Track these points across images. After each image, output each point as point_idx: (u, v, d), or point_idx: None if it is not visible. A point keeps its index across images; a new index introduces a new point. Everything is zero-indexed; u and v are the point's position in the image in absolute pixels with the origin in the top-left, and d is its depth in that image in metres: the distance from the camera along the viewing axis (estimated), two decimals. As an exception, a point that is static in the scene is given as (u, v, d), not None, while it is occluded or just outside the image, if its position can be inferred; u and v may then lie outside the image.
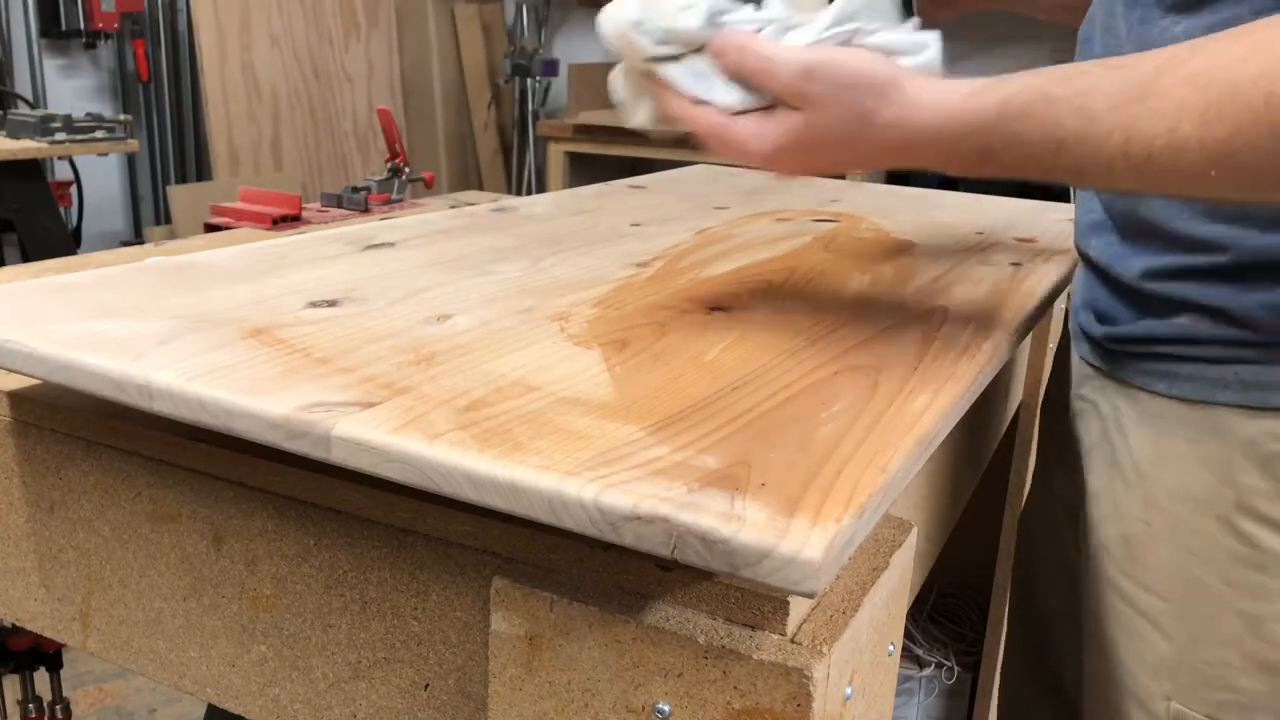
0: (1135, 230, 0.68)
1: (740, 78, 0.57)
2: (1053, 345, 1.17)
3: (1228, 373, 0.62)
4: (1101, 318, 0.72)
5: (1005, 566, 1.31)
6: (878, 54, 0.56)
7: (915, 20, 0.59)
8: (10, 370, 0.57)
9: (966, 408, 0.58)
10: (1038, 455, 0.94)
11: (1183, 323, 0.64)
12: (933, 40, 0.58)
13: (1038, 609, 0.89)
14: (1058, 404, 0.85)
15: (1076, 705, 0.81)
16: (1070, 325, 0.81)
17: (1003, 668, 1.01)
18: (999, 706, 1.03)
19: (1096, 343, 0.73)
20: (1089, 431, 0.75)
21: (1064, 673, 0.85)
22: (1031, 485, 0.95)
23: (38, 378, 0.56)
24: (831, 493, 0.41)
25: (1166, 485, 0.67)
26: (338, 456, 0.46)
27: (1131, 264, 0.68)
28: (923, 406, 0.51)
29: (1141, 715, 0.71)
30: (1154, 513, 0.68)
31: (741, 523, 0.38)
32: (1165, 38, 0.62)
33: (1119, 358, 0.70)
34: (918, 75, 0.55)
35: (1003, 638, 1.35)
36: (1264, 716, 0.64)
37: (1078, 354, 0.78)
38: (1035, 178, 0.55)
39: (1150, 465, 0.68)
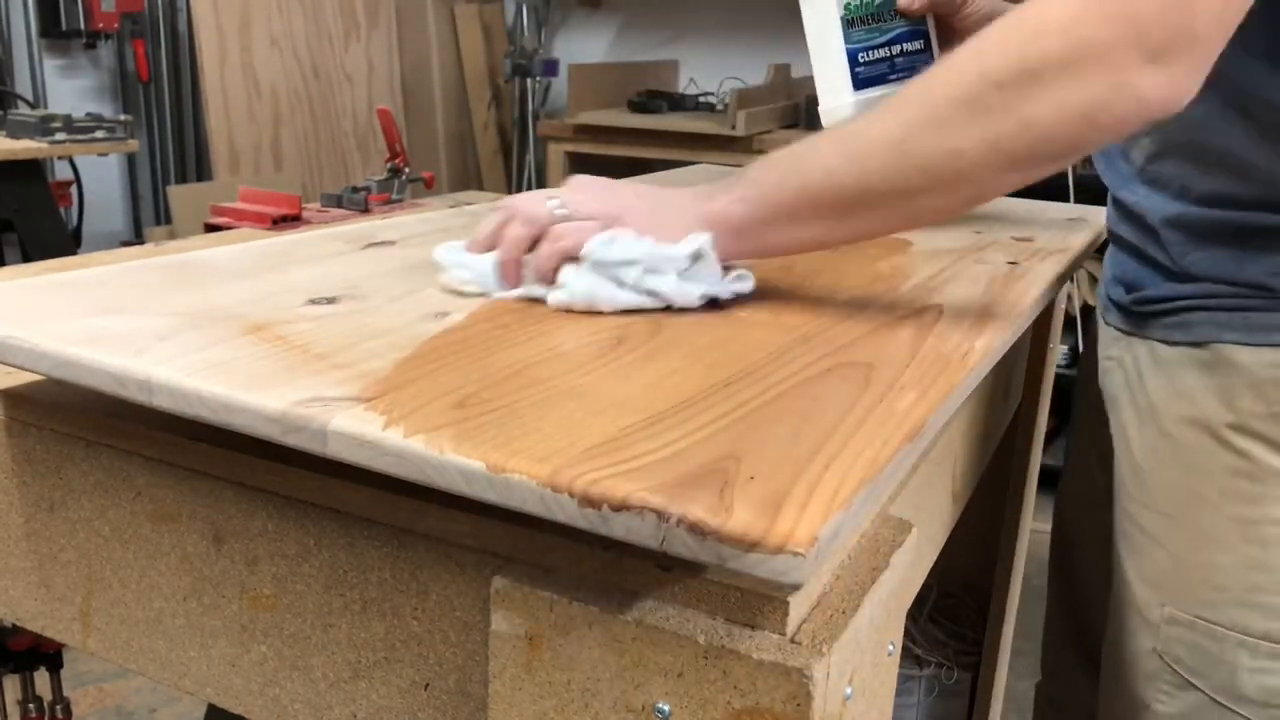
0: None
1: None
2: (1053, 345, 1.17)
3: (1236, 318, 0.75)
4: (1130, 287, 0.84)
5: (1005, 566, 1.31)
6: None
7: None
8: (12, 366, 0.57)
9: (958, 405, 0.58)
10: (1072, 425, 1.06)
11: (1204, 286, 0.77)
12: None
13: (1074, 573, 1.01)
14: (1088, 371, 0.97)
15: None
16: (1100, 298, 0.94)
17: (1044, 636, 1.12)
18: (1042, 673, 1.13)
19: (1125, 309, 0.85)
20: (1113, 384, 0.87)
21: (1100, 636, 0.92)
22: (1067, 455, 1.08)
23: (40, 374, 0.56)
24: (819, 486, 0.41)
25: (1176, 414, 0.79)
26: (334, 450, 0.46)
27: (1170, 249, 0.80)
28: (913, 403, 0.51)
29: (1140, 623, 0.82)
30: (1162, 440, 0.80)
31: (729, 515, 0.39)
32: None
33: (1144, 318, 0.82)
34: None
35: (1002, 637, 1.35)
36: (1239, 611, 0.75)
37: (1106, 321, 0.91)
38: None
39: (1162, 400, 0.80)
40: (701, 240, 0.66)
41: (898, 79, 0.91)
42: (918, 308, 0.70)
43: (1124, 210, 0.87)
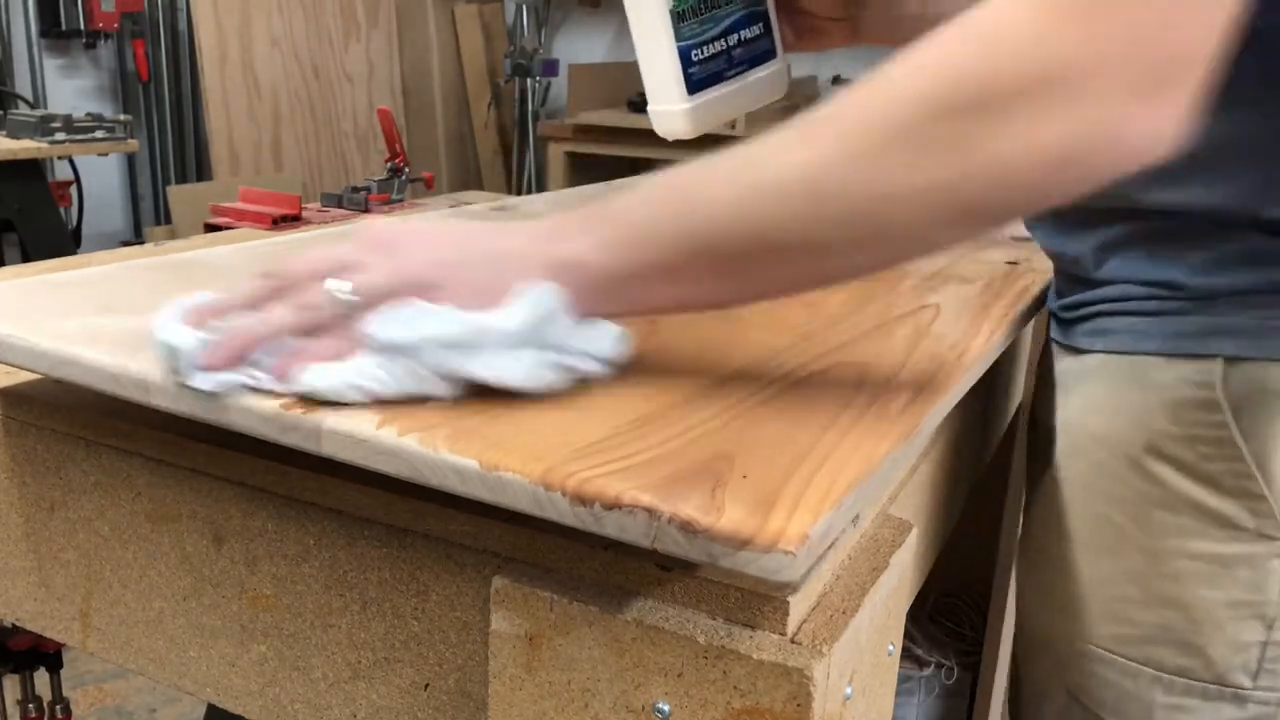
0: (1068, 216, 0.72)
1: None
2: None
3: (1153, 324, 0.66)
4: (1057, 293, 0.76)
5: (1005, 566, 1.31)
6: None
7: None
8: (10, 365, 0.57)
9: (953, 405, 0.58)
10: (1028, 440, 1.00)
11: (1119, 289, 0.68)
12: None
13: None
14: (1041, 383, 0.91)
15: None
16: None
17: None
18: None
19: (1055, 316, 0.77)
20: (1049, 401, 0.78)
21: None
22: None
23: (38, 372, 0.56)
24: (811, 485, 0.42)
25: (1088, 432, 0.70)
26: (329, 450, 0.46)
27: (1069, 247, 0.72)
28: (907, 403, 0.52)
29: (1049, 658, 0.75)
30: (1073, 459, 0.72)
31: (720, 514, 0.39)
32: None
33: (1068, 325, 0.74)
34: None
35: (1003, 638, 1.35)
36: (1153, 647, 0.68)
37: (1049, 335, 0.82)
38: None
39: (1077, 414, 0.72)
40: (542, 296, 0.49)
41: (736, 74, 0.79)
42: (915, 307, 0.70)
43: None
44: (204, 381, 0.48)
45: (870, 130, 0.46)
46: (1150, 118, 0.43)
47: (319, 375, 0.48)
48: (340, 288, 0.49)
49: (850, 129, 0.47)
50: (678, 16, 0.74)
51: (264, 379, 0.48)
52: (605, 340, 0.52)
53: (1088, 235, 0.70)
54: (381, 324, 0.48)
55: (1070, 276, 0.73)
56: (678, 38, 0.75)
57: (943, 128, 0.45)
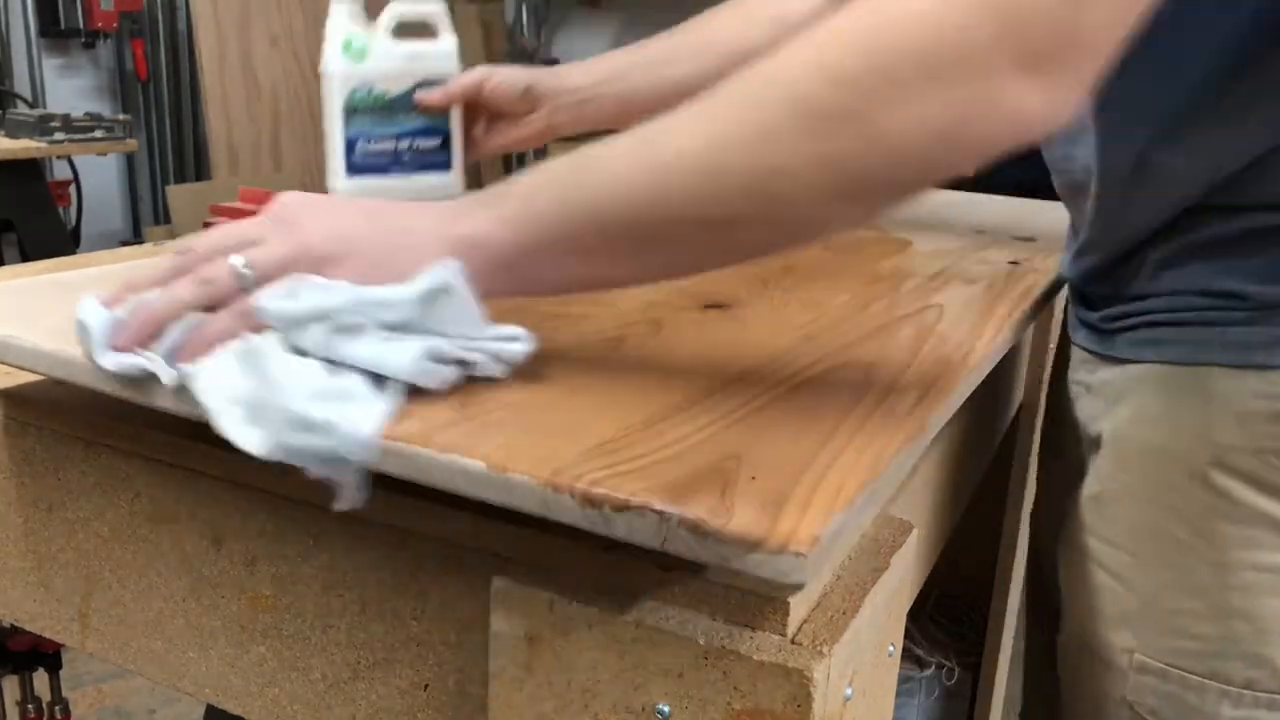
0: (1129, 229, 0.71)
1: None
2: (1053, 345, 1.17)
3: (1214, 334, 0.65)
4: (1095, 303, 0.75)
5: (1005, 566, 1.31)
6: None
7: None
8: (12, 365, 0.57)
9: (959, 405, 0.58)
10: (1041, 444, 0.97)
11: (1173, 299, 0.68)
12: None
13: (1051, 594, 0.93)
14: (1057, 393, 0.89)
15: None
16: (1069, 315, 0.84)
17: (1025, 655, 1.03)
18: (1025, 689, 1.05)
19: (1092, 326, 0.76)
20: (1083, 411, 0.77)
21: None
22: (1037, 474, 0.98)
23: (39, 373, 0.56)
24: (820, 486, 0.41)
25: (1141, 443, 0.70)
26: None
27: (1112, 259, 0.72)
28: (914, 404, 0.51)
29: (1102, 669, 0.73)
30: (1125, 471, 0.71)
31: (730, 515, 0.39)
32: None
33: (1111, 335, 0.73)
34: None
35: (1003, 638, 1.35)
36: (1219, 661, 0.67)
37: (1075, 340, 0.81)
38: None
39: (1127, 426, 0.71)
40: (443, 273, 0.49)
41: (400, 172, 0.89)
42: (919, 307, 0.70)
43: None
44: (110, 361, 0.49)
45: (763, 104, 0.47)
46: (1036, 93, 0.44)
47: (209, 380, 0.47)
48: (239, 262, 0.49)
49: (745, 103, 0.47)
50: (350, 111, 0.87)
51: (162, 366, 0.48)
52: (507, 338, 0.51)
53: (1146, 248, 0.69)
54: (269, 296, 0.48)
55: (1110, 286, 0.72)
56: (347, 127, 0.87)
57: (832, 99, 0.45)
